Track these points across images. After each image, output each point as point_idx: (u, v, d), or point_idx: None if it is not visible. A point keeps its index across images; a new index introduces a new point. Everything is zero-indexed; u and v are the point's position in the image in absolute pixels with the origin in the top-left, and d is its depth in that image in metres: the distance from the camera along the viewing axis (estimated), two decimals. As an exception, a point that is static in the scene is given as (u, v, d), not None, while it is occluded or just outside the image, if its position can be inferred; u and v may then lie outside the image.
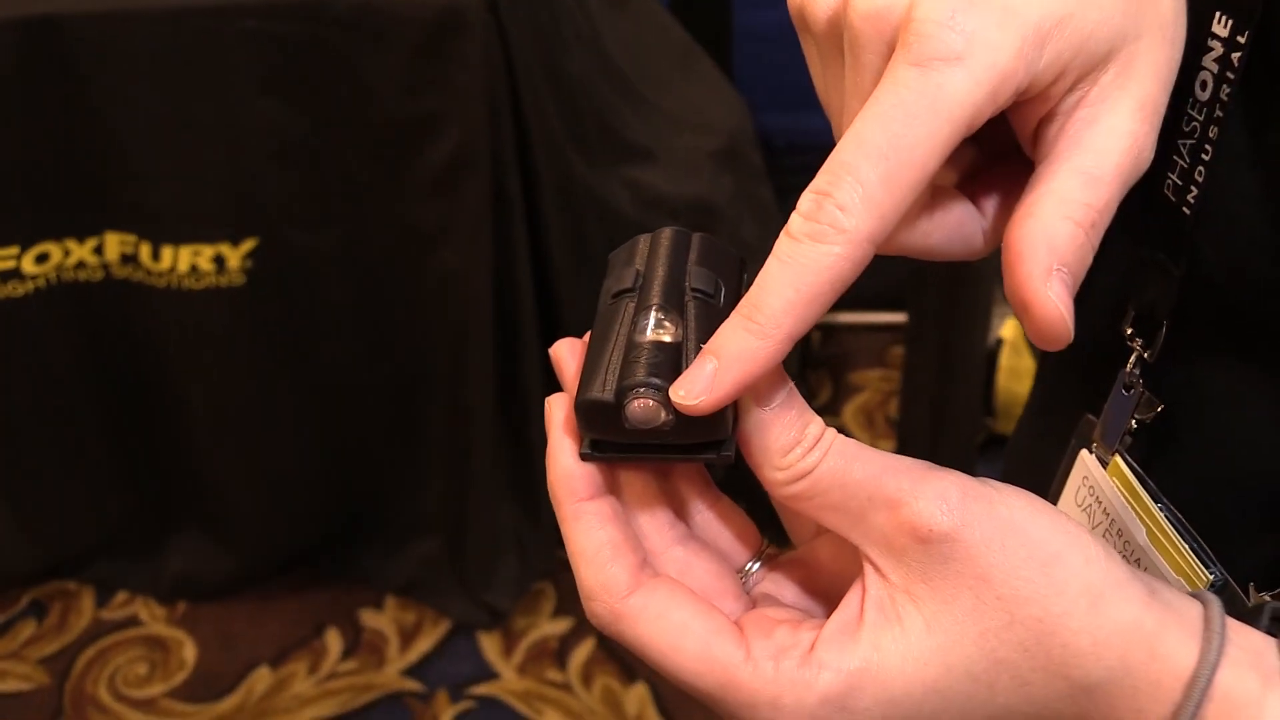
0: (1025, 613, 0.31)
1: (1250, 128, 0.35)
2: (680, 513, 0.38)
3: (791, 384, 0.34)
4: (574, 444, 0.35)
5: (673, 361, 0.33)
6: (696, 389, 0.31)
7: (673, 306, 0.34)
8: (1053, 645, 0.31)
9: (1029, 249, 0.32)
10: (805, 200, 0.31)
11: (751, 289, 0.32)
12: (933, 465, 0.33)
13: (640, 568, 0.34)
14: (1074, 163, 0.33)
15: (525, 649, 1.66)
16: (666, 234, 0.37)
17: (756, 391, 0.33)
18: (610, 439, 0.34)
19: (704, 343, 0.33)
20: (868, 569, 0.33)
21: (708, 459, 0.34)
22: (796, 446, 0.33)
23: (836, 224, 0.30)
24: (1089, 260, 0.33)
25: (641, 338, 0.33)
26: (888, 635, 0.32)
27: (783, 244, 0.31)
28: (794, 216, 0.31)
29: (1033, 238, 0.32)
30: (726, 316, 0.33)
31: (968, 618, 0.31)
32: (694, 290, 0.34)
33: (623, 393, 0.32)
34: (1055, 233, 0.32)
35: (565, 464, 0.35)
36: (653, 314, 0.33)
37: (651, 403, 0.32)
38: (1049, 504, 0.33)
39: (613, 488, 0.36)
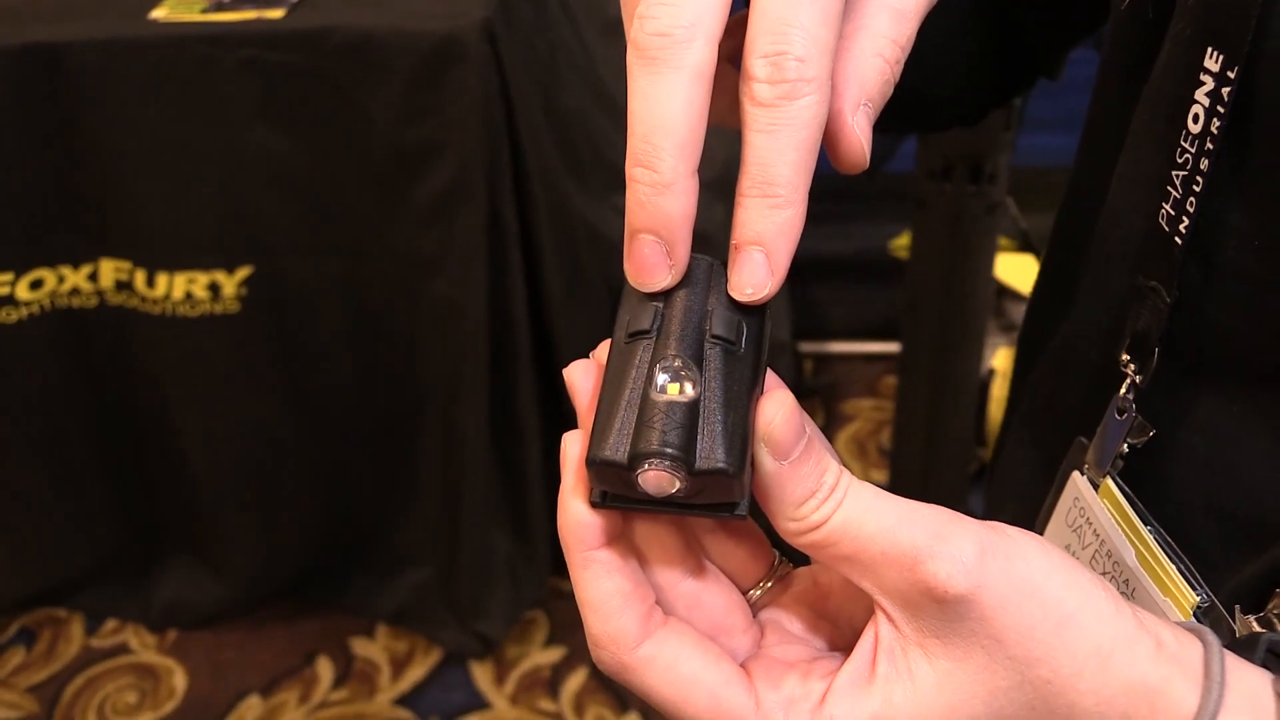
0: (1035, 674, 0.31)
1: (1232, 159, 0.36)
2: (693, 532, 0.37)
3: (811, 428, 0.33)
4: (586, 489, 0.34)
5: (689, 423, 0.32)
6: (760, 282, 0.33)
7: (691, 357, 0.32)
8: (1059, 705, 0.31)
9: (842, 84, 0.35)
10: (761, 66, 0.32)
11: (750, 165, 0.32)
12: (951, 515, 0.32)
13: (648, 616, 0.34)
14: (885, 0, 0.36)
15: (517, 678, 1.65)
16: (691, 263, 0.35)
17: (774, 444, 0.32)
18: (622, 494, 0.33)
19: (724, 396, 0.32)
20: (880, 615, 0.33)
21: (721, 517, 0.34)
22: (811, 498, 0.33)
23: (803, 76, 0.32)
24: (889, 92, 0.36)
25: (658, 396, 0.32)
26: (899, 689, 0.32)
27: (760, 114, 0.32)
28: (756, 85, 0.32)
29: (846, 73, 0.35)
30: (748, 363, 0.33)
31: (978, 676, 0.32)
32: (714, 337, 0.33)
33: (635, 460, 0.31)
34: (866, 69, 0.35)
35: (576, 512, 0.34)
36: (670, 368, 0.32)
37: (665, 473, 0.31)
38: (1064, 553, 0.33)
39: (624, 520, 0.35)
